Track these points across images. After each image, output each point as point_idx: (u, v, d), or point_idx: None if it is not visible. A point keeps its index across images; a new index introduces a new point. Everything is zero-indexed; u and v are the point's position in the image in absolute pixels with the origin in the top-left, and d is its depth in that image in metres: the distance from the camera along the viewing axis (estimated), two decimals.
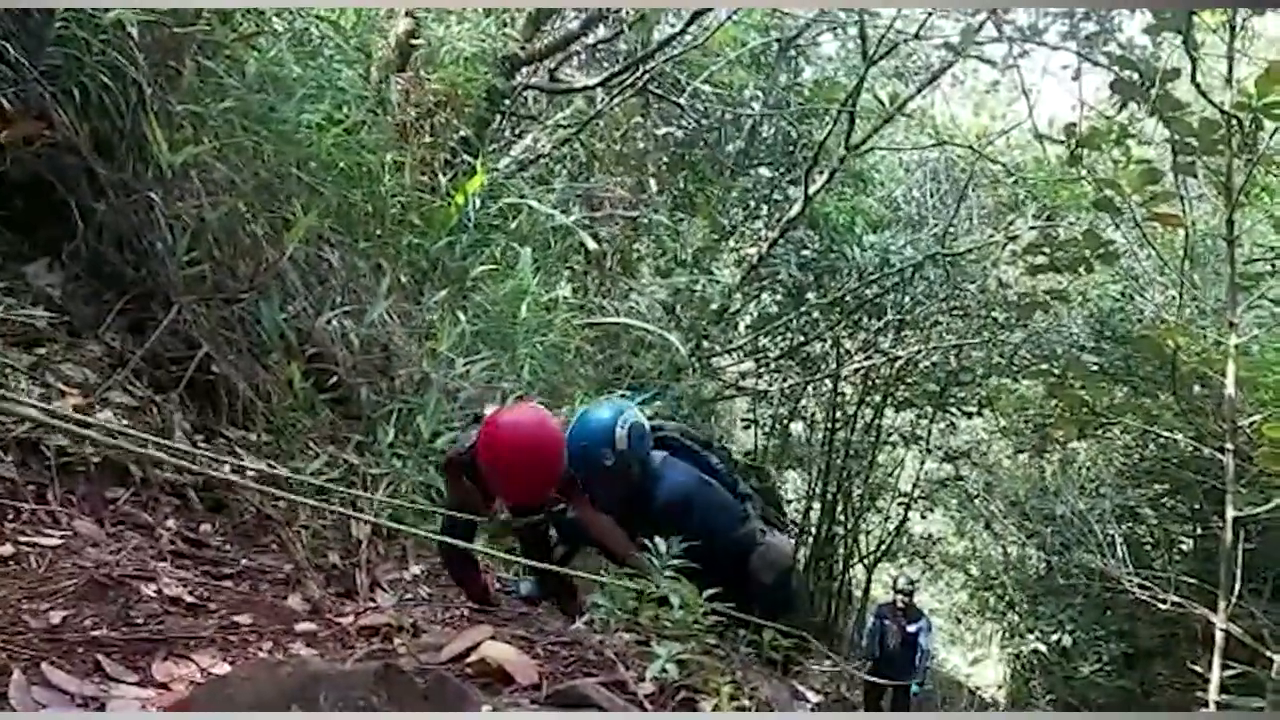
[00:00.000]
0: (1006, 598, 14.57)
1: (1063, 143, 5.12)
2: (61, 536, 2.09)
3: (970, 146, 10.49)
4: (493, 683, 1.73)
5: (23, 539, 1.99)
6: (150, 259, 3.24)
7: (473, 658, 1.80)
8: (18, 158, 3.03)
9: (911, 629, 8.76)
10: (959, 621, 18.67)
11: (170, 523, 2.62)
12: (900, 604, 8.96)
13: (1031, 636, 12.07)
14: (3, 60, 3.00)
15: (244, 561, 2.53)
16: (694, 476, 3.16)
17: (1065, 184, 9.99)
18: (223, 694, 1.35)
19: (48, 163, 3.10)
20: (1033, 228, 10.25)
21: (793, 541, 3.61)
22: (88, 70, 3.12)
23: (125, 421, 2.77)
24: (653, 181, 10.00)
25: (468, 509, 2.87)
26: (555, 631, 2.12)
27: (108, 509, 2.59)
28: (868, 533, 16.07)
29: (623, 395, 3.86)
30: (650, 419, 3.32)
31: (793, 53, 10.11)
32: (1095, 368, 9.46)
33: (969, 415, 13.84)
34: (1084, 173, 5.33)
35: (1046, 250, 5.14)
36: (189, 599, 1.90)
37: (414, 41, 5.68)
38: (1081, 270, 5.21)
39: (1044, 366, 10.97)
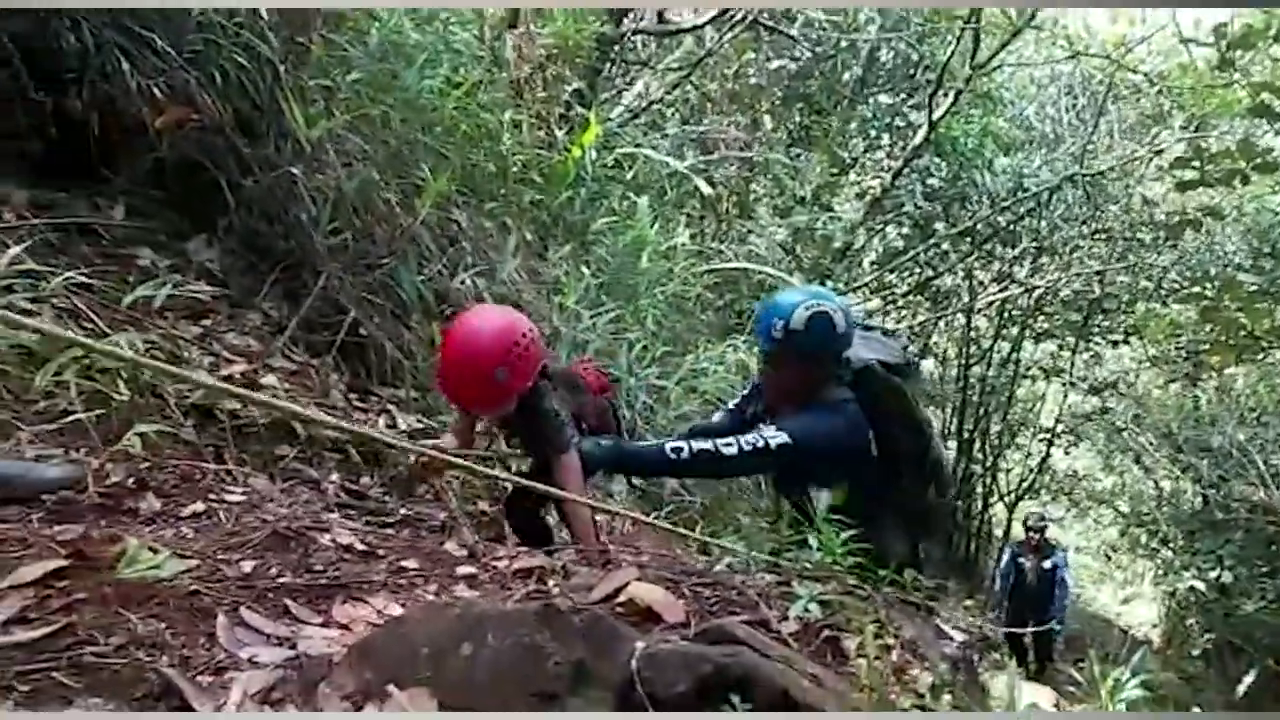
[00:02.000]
0: (1159, 534, 13.93)
1: (1212, 45, 4.73)
2: (243, 493, 2.29)
3: (1108, 56, 9.81)
4: (642, 621, 1.80)
5: (211, 497, 2.19)
6: (297, 230, 3.43)
7: (621, 598, 1.87)
8: (171, 142, 3.25)
9: (1046, 565, 8.50)
10: (1108, 559, 17.99)
11: (334, 476, 2.82)
12: (1032, 540, 8.69)
13: (1187, 574, 11.53)
14: (151, 50, 3.20)
15: (403, 511, 2.70)
16: (865, 439, 2.82)
17: (1216, 90, 9.26)
18: (400, 633, 1.47)
19: (198, 144, 3.31)
20: (1180, 140, 9.60)
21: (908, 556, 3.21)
22: (225, 53, 3.29)
23: (287, 385, 2.98)
24: (767, 118, 9.81)
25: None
26: (698, 573, 2.17)
27: (278, 466, 2.81)
28: (1008, 470, 15.63)
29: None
30: (894, 361, 3.00)
31: None
32: (1253, 288, 8.80)
33: (1115, 344, 13.21)
34: (1237, 76, 4.94)
35: (1197, 163, 4.80)
36: (360, 546, 2.05)
37: None
38: (1236, 183, 4.86)
39: (1196, 289, 10.29)
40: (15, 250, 2.60)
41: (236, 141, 3.35)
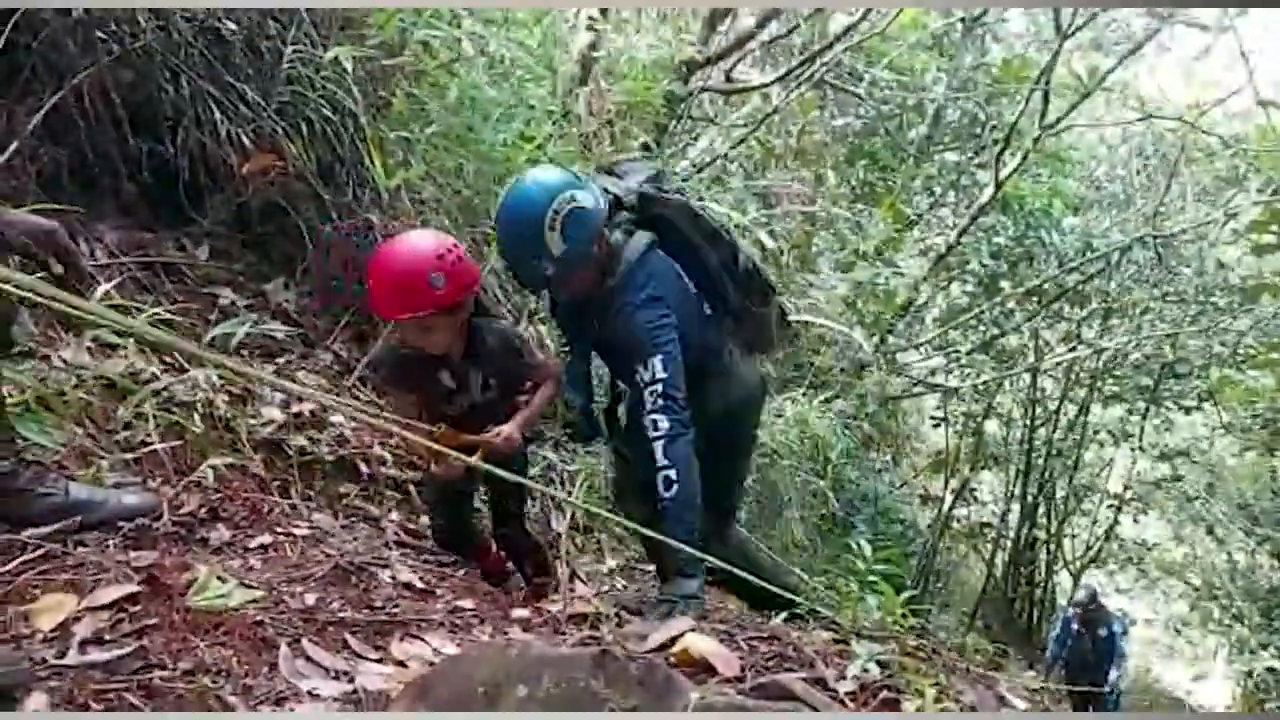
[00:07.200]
0: (1233, 609, 13.31)
1: None
2: (309, 527, 2.34)
3: (1180, 118, 9.65)
4: (695, 673, 1.78)
5: (278, 529, 2.25)
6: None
7: (676, 648, 1.86)
8: (256, 187, 3.40)
9: (1103, 632, 8.17)
10: (1178, 634, 17.18)
11: (394, 515, 2.87)
12: (1084, 613, 8.32)
13: (1265, 653, 10.97)
14: (243, 101, 3.37)
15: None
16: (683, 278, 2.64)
17: None
18: (459, 672, 1.48)
19: (281, 191, 3.46)
20: (1257, 203, 9.34)
21: (761, 375, 2.95)
22: (312, 105, 3.44)
23: (353, 424, 3.05)
24: (831, 174, 9.83)
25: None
26: (753, 626, 2.15)
27: (340, 503, 2.87)
28: (1073, 537, 15.11)
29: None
30: (650, 181, 2.77)
31: (979, 31, 9.67)
32: None
33: (1187, 410, 12.77)
34: None
35: (1274, 227, 4.69)
36: (419, 584, 2.08)
37: (595, 54, 5.87)
38: None
39: (1274, 355, 9.96)
40: (106, 287, 2.73)
41: (318, 188, 3.49)
